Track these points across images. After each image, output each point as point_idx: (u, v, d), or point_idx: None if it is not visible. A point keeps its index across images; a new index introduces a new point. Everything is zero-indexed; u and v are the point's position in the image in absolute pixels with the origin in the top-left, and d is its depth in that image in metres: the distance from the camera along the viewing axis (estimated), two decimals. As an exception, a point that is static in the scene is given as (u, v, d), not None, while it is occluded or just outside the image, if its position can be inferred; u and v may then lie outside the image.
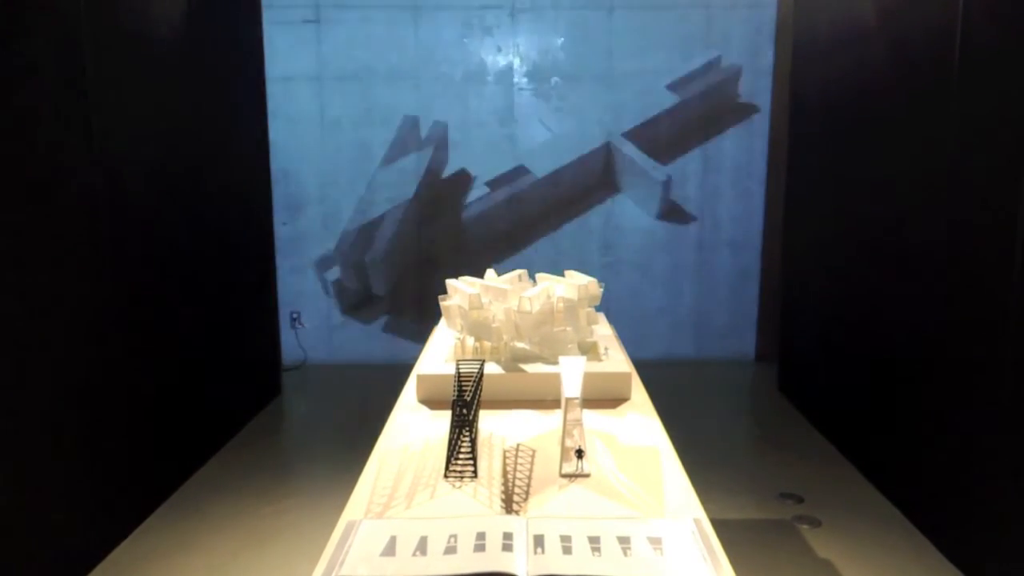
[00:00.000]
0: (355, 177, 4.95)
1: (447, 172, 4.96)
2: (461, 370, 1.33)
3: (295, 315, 5.05)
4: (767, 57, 4.84)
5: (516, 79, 4.88)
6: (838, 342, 3.60)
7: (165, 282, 3.08)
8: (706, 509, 1.09)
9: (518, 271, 1.93)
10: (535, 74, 4.87)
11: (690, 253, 5.03)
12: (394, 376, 2.16)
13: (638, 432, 1.39)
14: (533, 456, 1.28)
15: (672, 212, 4.99)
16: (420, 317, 5.05)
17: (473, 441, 1.21)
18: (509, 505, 1.10)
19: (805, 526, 2.81)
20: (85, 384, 2.49)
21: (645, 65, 4.84)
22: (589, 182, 4.98)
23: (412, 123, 4.91)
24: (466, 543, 0.94)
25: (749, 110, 4.90)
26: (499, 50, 4.86)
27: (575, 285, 1.72)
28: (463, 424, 1.21)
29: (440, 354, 1.73)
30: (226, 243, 3.73)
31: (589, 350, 1.70)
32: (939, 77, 2.65)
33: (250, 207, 4.12)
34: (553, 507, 1.09)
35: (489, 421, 1.43)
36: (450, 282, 1.80)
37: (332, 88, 4.86)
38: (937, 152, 2.65)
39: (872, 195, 3.21)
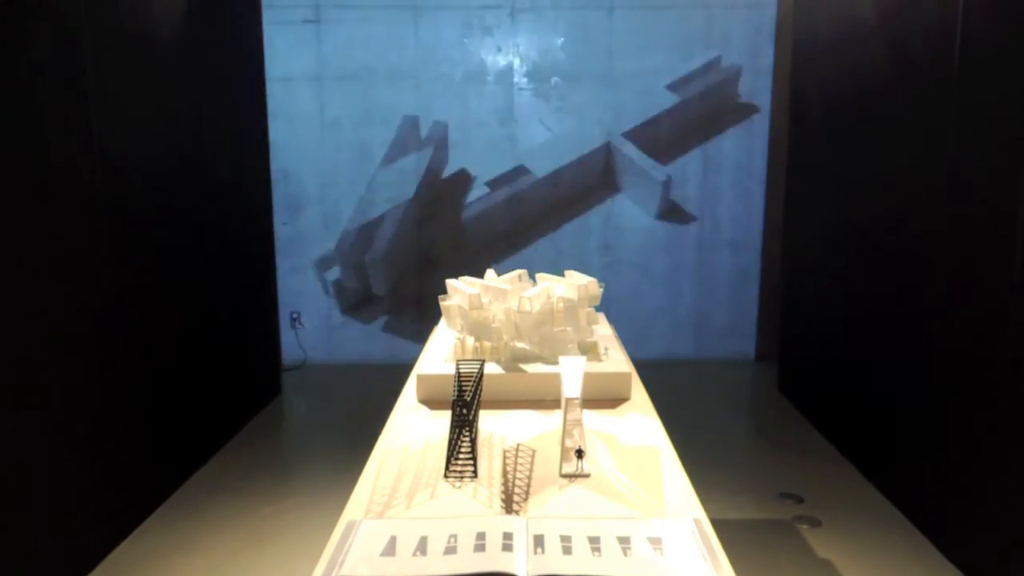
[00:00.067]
0: (355, 177, 4.95)
1: (447, 172, 4.96)
2: (461, 370, 1.33)
3: (295, 315, 5.05)
4: (767, 57, 4.84)
5: (516, 79, 4.88)
6: (838, 342, 3.59)
7: (165, 282, 3.08)
8: (706, 509, 1.09)
9: (518, 271, 1.93)
10: (535, 74, 4.87)
11: (690, 253, 5.03)
12: (394, 376, 2.16)
13: (638, 432, 1.39)
14: (533, 456, 1.28)
15: (672, 212, 4.99)
16: (420, 317, 5.05)
17: (473, 441, 1.21)
18: (509, 505, 1.10)
19: (805, 526, 2.81)
20: (85, 384, 2.49)
21: (645, 65, 4.84)
22: (589, 182, 4.98)
23: (412, 123, 4.91)
24: (466, 543, 0.94)
25: (749, 110, 4.90)
26: (499, 50, 4.86)
27: (575, 285, 1.72)
28: (463, 424, 1.21)
29: (440, 354, 1.73)
30: (226, 243, 3.73)
31: (589, 350, 1.69)
32: (939, 77, 2.65)
33: (250, 207, 4.12)
34: (553, 507, 1.09)
35: (489, 421, 1.43)
36: (450, 282, 1.80)
37: (332, 88, 4.86)
38: (937, 152, 2.65)
39: (872, 195, 3.21)
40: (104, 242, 2.60)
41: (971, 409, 2.45)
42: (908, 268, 2.87)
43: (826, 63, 3.72)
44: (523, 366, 1.60)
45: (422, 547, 0.95)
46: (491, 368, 1.59)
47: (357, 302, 5.09)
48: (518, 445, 1.33)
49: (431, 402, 1.56)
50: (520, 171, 4.95)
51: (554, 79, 4.87)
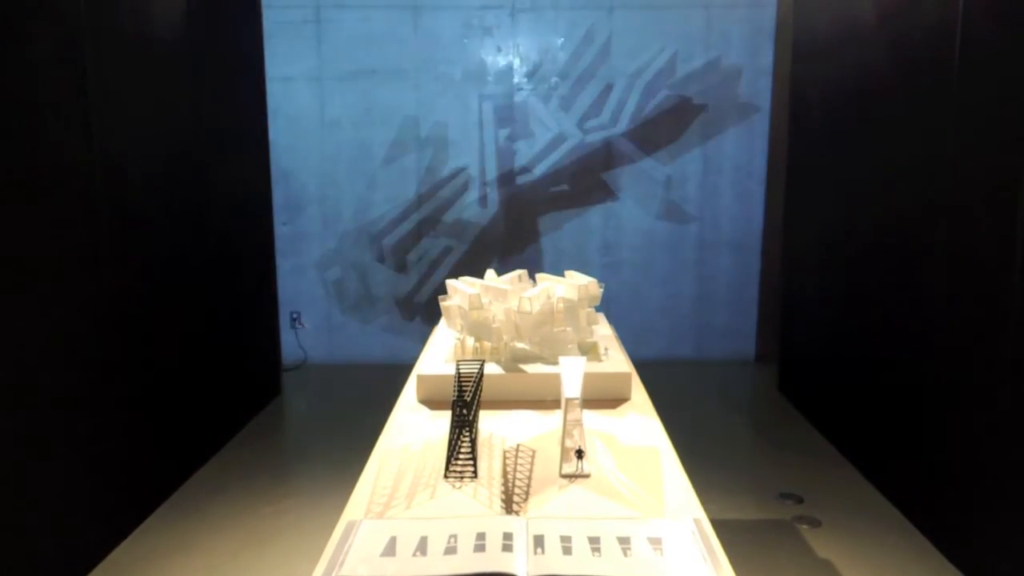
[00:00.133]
0: (355, 177, 4.95)
1: (447, 172, 4.96)
2: (461, 370, 1.33)
3: (295, 315, 5.05)
4: (767, 57, 4.84)
5: (516, 79, 4.88)
6: (838, 342, 3.59)
7: (165, 282, 3.08)
8: (706, 509, 1.09)
9: (518, 271, 1.93)
10: (535, 74, 4.87)
11: (690, 253, 5.03)
12: (394, 376, 2.16)
13: (638, 432, 1.39)
14: (533, 456, 1.28)
15: (672, 212, 4.99)
16: (420, 317, 5.05)
17: (473, 441, 1.21)
18: (509, 505, 1.10)
19: (805, 526, 2.81)
20: (85, 384, 2.49)
21: (645, 65, 4.84)
22: (589, 182, 4.98)
23: (412, 123, 4.91)
24: (466, 543, 0.94)
25: (749, 110, 4.90)
26: (499, 50, 4.86)
27: (575, 285, 1.72)
28: (463, 424, 1.21)
29: (440, 354, 1.73)
30: (226, 243, 3.73)
31: (589, 350, 1.70)
32: (939, 77, 2.65)
33: (250, 207, 4.12)
34: (553, 507, 1.09)
35: (489, 421, 1.43)
36: (450, 282, 1.80)
37: (332, 88, 4.86)
38: (937, 152, 2.65)
39: (872, 195, 3.21)
40: (104, 242, 2.60)
41: (971, 409, 2.45)
42: (908, 268, 2.86)
43: (826, 63, 3.72)
44: (523, 366, 1.60)
45: (422, 547, 0.95)
46: (491, 368, 1.59)
47: (357, 302, 5.09)
48: (518, 445, 1.33)
49: (431, 402, 1.56)
50: (520, 171, 4.95)
51: (554, 79, 4.87)
